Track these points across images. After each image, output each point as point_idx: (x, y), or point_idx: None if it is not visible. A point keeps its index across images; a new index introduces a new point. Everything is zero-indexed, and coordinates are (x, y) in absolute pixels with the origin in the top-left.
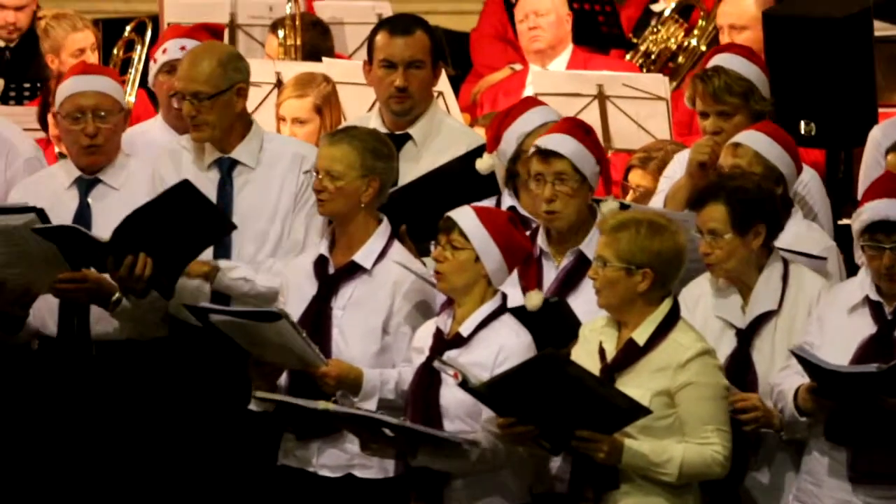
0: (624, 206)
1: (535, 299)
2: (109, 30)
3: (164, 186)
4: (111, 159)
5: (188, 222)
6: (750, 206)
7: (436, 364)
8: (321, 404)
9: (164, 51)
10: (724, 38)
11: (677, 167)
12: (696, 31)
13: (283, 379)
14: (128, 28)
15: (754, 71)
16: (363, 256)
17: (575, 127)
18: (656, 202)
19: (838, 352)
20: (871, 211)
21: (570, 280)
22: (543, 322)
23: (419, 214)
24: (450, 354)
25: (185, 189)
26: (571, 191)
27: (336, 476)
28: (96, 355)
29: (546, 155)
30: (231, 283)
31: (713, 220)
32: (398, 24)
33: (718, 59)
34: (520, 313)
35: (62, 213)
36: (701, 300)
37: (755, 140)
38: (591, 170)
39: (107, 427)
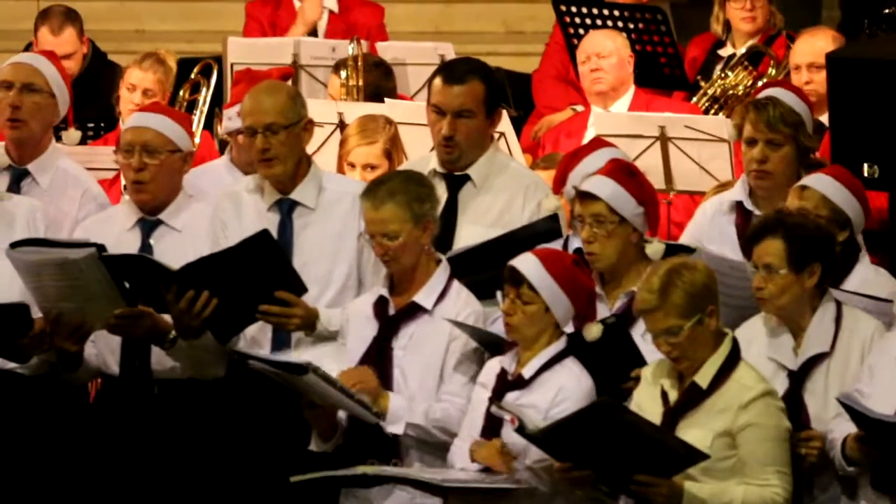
0: (673, 248)
1: (593, 331)
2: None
3: (224, 230)
4: (158, 198)
5: (260, 276)
6: (808, 245)
7: (493, 409)
8: (359, 469)
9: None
10: (802, 77)
11: (708, 207)
12: (765, 80)
13: (343, 420)
14: (195, 70)
15: (803, 108)
16: (424, 297)
17: (617, 169)
18: (686, 238)
19: (888, 401)
20: None
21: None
22: (602, 345)
23: (485, 269)
24: (509, 397)
25: (264, 239)
26: (608, 233)
27: None
28: (158, 394)
29: (584, 197)
30: (329, 336)
31: (769, 254)
32: (453, 72)
33: (771, 92)
34: (577, 339)
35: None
36: (754, 342)
37: (822, 183)
38: (632, 212)
39: (169, 466)
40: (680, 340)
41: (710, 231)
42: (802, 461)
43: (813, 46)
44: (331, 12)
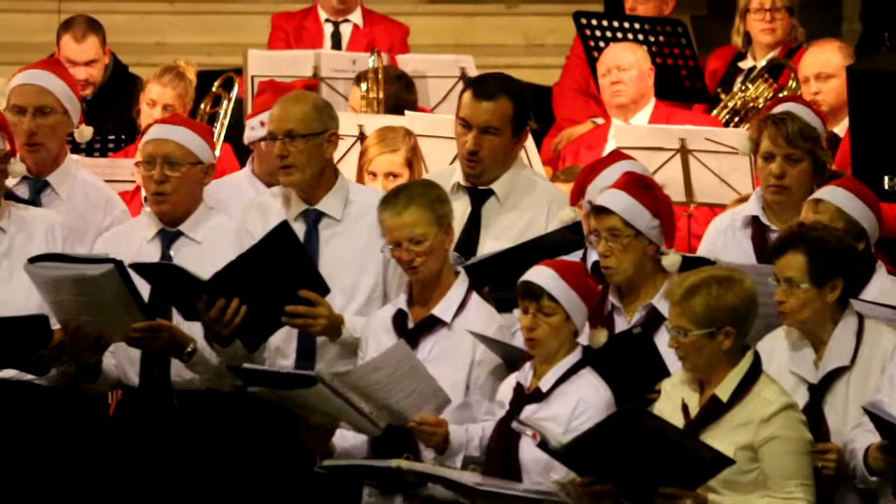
0: (691, 260)
1: (600, 338)
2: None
3: (252, 240)
4: (179, 209)
5: (284, 274)
6: (829, 259)
7: (514, 426)
8: (394, 462)
9: (263, 123)
10: (811, 89)
11: (720, 222)
12: (785, 92)
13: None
14: (216, 84)
15: (818, 122)
16: (442, 310)
17: (631, 182)
18: (703, 250)
19: None
20: None
21: None
22: (627, 354)
23: (506, 276)
24: (528, 411)
25: (284, 231)
26: (623, 246)
27: None
28: (178, 405)
29: (598, 211)
30: (353, 342)
31: (791, 268)
32: (484, 88)
33: (786, 107)
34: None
35: None
36: (775, 355)
37: (836, 196)
38: (647, 224)
39: (189, 476)
40: (684, 343)
41: (725, 246)
42: (820, 474)
43: (821, 57)
44: (355, 26)
